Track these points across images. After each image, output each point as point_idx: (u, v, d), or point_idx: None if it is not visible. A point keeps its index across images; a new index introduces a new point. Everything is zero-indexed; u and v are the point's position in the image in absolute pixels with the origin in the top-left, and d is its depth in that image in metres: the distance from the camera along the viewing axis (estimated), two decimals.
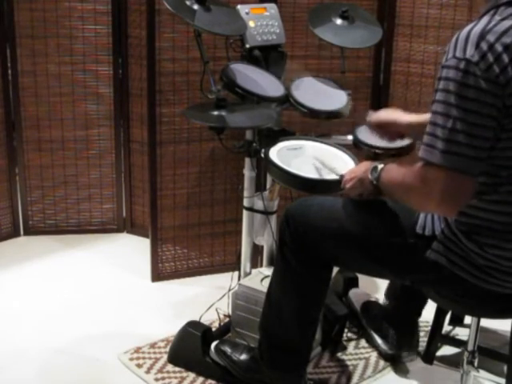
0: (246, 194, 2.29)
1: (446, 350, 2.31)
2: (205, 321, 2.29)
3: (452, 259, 1.59)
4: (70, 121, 3.12)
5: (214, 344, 2.16)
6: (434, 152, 1.42)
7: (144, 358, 2.26)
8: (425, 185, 1.45)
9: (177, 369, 2.21)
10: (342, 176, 1.84)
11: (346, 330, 2.39)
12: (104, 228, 3.27)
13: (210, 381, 2.16)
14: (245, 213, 2.31)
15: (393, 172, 1.62)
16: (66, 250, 3.09)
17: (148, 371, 2.20)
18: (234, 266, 2.41)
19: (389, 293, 2.32)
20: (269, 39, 2.30)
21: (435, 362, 2.20)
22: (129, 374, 2.20)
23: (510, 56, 1.38)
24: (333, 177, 1.94)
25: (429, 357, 2.17)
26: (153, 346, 2.34)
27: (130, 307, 2.62)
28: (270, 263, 2.34)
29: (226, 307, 2.35)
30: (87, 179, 3.20)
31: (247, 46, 2.26)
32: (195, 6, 2.06)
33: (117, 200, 3.25)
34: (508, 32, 1.39)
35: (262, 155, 2.05)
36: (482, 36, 1.38)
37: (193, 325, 2.21)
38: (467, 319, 2.38)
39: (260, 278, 2.27)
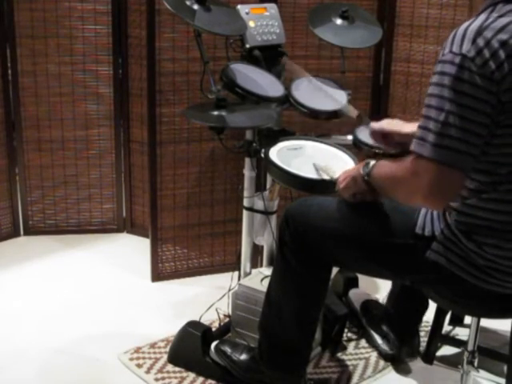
0: (246, 194, 2.29)
1: (446, 350, 2.31)
2: (205, 321, 2.29)
3: (452, 259, 1.59)
4: (70, 121, 3.12)
5: (214, 344, 2.16)
6: (425, 145, 1.42)
7: (144, 358, 2.26)
8: (414, 177, 1.45)
9: (177, 369, 2.21)
10: (336, 179, 1.83)
11: (346, 330, 2.39)
12: (104, 228, 3.27)
13: (209, 381, 2.16)
14: (245, 213, 2.31)
15: (384, 167, 1.62)
16: (66, 250, 3.09)
17: (148, 371, 2.20)
18: (234, 266, 2.41)
19: (389, 300, 2.32)
20: (269, 39, 2.30)
21: (435, 362, 2.21)
22: (129, 374, 2.20)
23: (507, 52, 1.38)
24: (332, 177, 1.93)
25: (429, 357, 2.17)
26: (153, 345, 2.34)
27: (130, 307, 2.62)
28: (270, 263, 2.34)
29: (226, 307, 2.35)
30: (87, 179, 3.20)
31: (247, 45, 2.26)
32: (195, 6, 2.06)
33: (117, 200, 3.25)
34: (505, 29, 1.39)
35: (262, 155, 2.05)
36: (479, 32, 1.39)
37: (193, 325, 2.21)
38: (467, 319, 2.38)
39: (260, 278, 2.27)
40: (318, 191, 1.98)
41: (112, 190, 3.24)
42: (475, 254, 1.56)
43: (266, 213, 2.27)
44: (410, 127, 1.89)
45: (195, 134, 2.76)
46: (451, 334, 2.43)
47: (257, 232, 2.33)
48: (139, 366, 2.23)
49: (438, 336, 2.13)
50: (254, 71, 2.24)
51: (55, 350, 2.31)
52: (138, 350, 2.31)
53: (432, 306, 2.08)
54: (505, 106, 1.40)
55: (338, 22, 2.36)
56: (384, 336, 2.30)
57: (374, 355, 2.32)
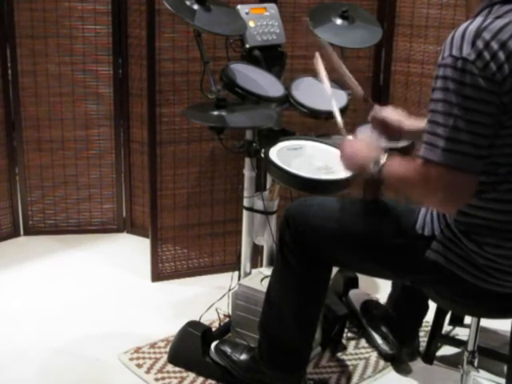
0: (246, 194, 2.29)
1: (446, 350, 2.31)
2: (205, 321, 2.29)
3: (452, 259, 1.59)
4: (70, 121, 3.12)
5: (213, 344, 2.16)
6: (435, 150, 1.43)
7: (144, 358, 2.26)
8: (427, 183, 1.46)
9: (177, 369, 2.21)
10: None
11: (346, 330, 2.38)
12: (104, 228, 3.27)
13: (209, 381, 2.16)
14: (245, 213, 2.31)
15: (395, 167, 1.60)
16: (66, 250, 3.09)
17: (148, 371, 2.20)
18: (234, 266, 2.41)
19: (389, 302, 2.32)
20: (269, 39, 2.30)
21: (435, 362, 2.20)
22: (129, 374, 2.20)
23: (506, 53, 1.38)
24: (333, 176, 1.93)
25: (429, 357, 2.17)
26: (153, 346, 2.34)
27: (130, 307, 2.62)
28: (270, 263, 2.34)
29: (226, 307, 2.35)
30: (87, 179, 3.20)
31: (247, 45, 2.26)
32: (195, 6, 2.06)
33: (117, 200, 3.25)
34: (503, 30, 1.39)
35: (262, 155, 2.05)
36: (478, 34, 1.39)
37: (193, 325, 2.21)
38: (467, 319, 2.38)
39: (260, 278, 2.27)
40: (318, 191, 1.98)
41: (112, 190, 3.24)
42: (475, 253, 1.56)
43: (266, 213, 2.27)
44: (410, 122, 1.89)
45: (195, 134, 2.76)
46: (451, 334, 2.43)
47: (257, 232, 2.33)
48: (139, 365, 2.23)
49: (437, 336, 2.13)
50: (254, 71, 2.24)
51: (55, 349, 2.31)
52: (138, 349, 2.31)
53: (432, 306, 2.08)
54: (507, 106, 1.41)
55: (338, 22, 2.36)
56: (384, 336, 2.30)
57: (374, 355, 2.32)
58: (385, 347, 2.29)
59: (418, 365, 2.26)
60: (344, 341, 2.38)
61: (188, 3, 2.06)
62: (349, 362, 2.28)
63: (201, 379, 2.17)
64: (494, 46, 1.38)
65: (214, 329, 2.30)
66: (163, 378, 2.17)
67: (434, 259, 1.62)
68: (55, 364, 2.24)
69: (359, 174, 1.74)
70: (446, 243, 1.60)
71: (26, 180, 3.16)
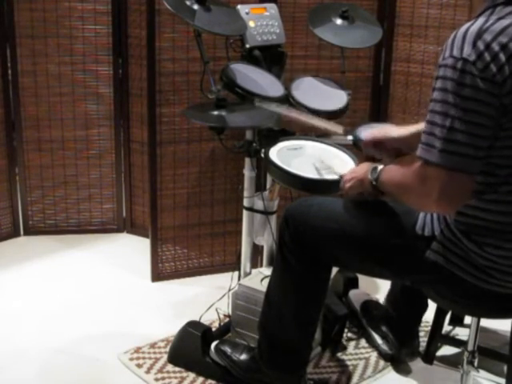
0: (246, 194, 2.29)
1: (446, 350, 2.31)
2: (205, 321, 2.29)
3: (451, 259, 1.59)
4: (70, 121, 3.12)
5: (213, 344, 2.16)
6: (432, 151, 1.42)
7: (144, 358, 2.26)
8: (423, 184, 1.46)
9: (177, 369, 2.21)
10: (341, 176, 1.84)
11: (346, 330, 2.38)
12: (104, 228, 3.27)
13: (209, 381, 2.16)
14: (245, 213, 2.31)
15: (392, 172, 1.62)
16: (66, 250, 3.09)
17: (148, 371, 2.20)
18: (234, 266, 2.41)
19: (388, 301, 2.32)
20: (269, 39, 2.30)
21: (435, 362, 2.20)
22: (129, 374, 2.20)
23: (507, 55, 1.38)
24: (333, 177, 1.94)
25: (429, 357, 2.16)
26: (153, 346, 2.34)
27: (130, 307, 2.62)
28: (270, 263, 2.34)
29: (226, 307, 2.35)
30: (87, 179, 3.20)
31: (247, 45, 2.26)
32: (195, 6, 2.06)
33: (117, 200, 3.25)
34: (505, 31, 1.39)
35: (262, 155, 2.05)
36: (479, 35, 1.39)
37: (193, 325, 2.21)
38: (467, 319, 2.38)
39: (260, 278, 2.27)
40: (318, 191, 1.98)
41: (112, 190, 3.24)
42: (475, 254, 1.56)
43: (266, 213, 2.27)
44: (397, 131, 1.91)
45: (195, 134, 2.76)
46: (451, 334, 2.43)
47: (257, 232, 2.33)
48: (139, 365, 2.23)
49: (437, 336, 2.13)
50: (254, 71, 2.24)
51: (55, 349, 2.31)
52: (138, 350, 2.31)
53: (432, 306, 2.08)
54: (507, 108, 1.41)
55: (338, 22, 2.36)
56: (384, 336, 2.30)
57: (374, 355, 2.32)
58: (385, 347, 2.29)
59: (417, 365, 2.26)
60: (344, 341, 2.38)
61: (188, 3, 2.06)
62: (349, 362, 2.28)
63: (201, 379, 2.17)
64: (495, 47, 1.38)
65: (214, 329, 2.30)
66: (163, 378, 2.17)
67: (434, 259, 1.62)
68: (55, 364, 2.24)
69: (361, 192, 1.74)
70: (446, 244, 1.60)
71: (26, 180, 3.16)
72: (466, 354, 1.89)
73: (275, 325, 1.95)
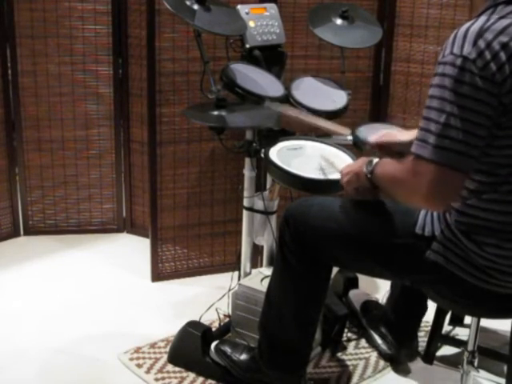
0: (246, 194, 2.29)
1: (446, 350, 2.31)
2: (205, 321, 2.29)
3: (452, 259, 1.59)
4: (70, 121, 3.12)
5: (213, 344, 2.16)
6: (426, 146, 1.42)
7: (144, 358, 2.26)
8: (414, 178, 1.45)
9: (177, 369, 2.21)
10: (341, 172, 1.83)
11: (346, 330, 2.38)
12: (104, 228, 3.27)
13: (209, 381, 2.16)
14: (245, 213, 2.31)
15: (386, 166, 1.62)
16: (66, 250, 3.09)
17: (148, 371, 2.20)
18: (234, 265, 2.41)
19: (388, 303, 2.32)
20: (269, 39, 2.30)
21: (435, 362, 2.20)
22: (129, 374, 2.20)
23: (507, 54, 1.38)
24: (333, 176, 1.93)
25: (429, 357, 2.17)
26: (153, 346, 2.34)
27: (130, 307, 2.62)
28: (270, 263, 2.34)
29: (226, 307, 2.35)
30: (87, 179, 3.20)
31: (247, 45, 2.26)
32: (195, 6, 2.06)
33: (117, 200, 3.25)
34: (506, 30, 1.39)
35: (262, 155, 2.05)
36: (480, 34, 1.39)
37: (193, 325, 2.21)
38: (467, 319, 2.38)
39: (260, 278, 2.27)
40: (318, 191, 1.98)
41: (112, 190, 3.24)
42: (475, 254, 1.56)
43: (266, 213, 2.27)
44: (406, 135, 1.90)
45: (195, 134, 2.76)
46: (451, 334, 2.43)
47: (257, 232, 2.33)
48: (139, 366, 2.23)
49: (438, 336, 2.13)
50: (254, 71, 2.24)
51: (55, 349, 2.31)
52: (138, 350, 2.31)
53: (432, 306, 2.08)
54: (507, 107, 1.40)
55: (338, 22, 2.36)
56: (384, 336, 2.30)
57: (373, 355, 2.32)
58: (385, 347, 2.29)
59: (417, 365, 2.26)
60: (344, 341, 2.38)
61: (188, 3, 2.06)
62: (349, 362, 2.28)
63: (201, 379, 2.17)
64: (496, 46, 1.38)
65: (214, 329, 2.30)
66: (163, 378, 2.17)
67: (434, 259, 1.62)
68: (55, 364, 2.24)
69: (356, 188, 1.74)
70: (446, 244, 1.60)
71: (26, 180, 3.16)
72: (465, 354, 1.89)
73: (275, 325, 1.95)
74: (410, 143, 1.85)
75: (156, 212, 2.79)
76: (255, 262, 2.61)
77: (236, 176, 2.76)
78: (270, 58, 2.30)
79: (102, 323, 2.49)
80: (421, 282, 1.74)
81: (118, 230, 3.28)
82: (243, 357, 2.09)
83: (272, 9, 2.37)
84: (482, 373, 2.17)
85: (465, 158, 1.41)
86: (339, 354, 2.32)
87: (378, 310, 2.39)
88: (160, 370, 2.21)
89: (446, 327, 2.43)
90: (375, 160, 1.66)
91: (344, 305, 2.40)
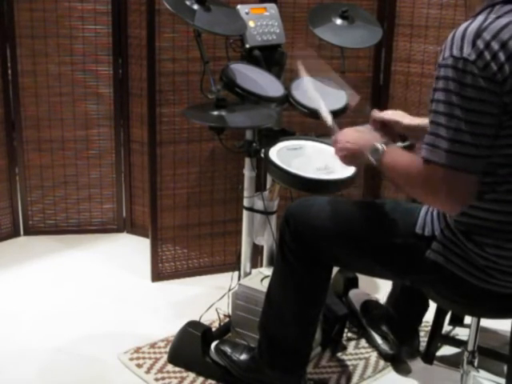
0: (246, 194, 2.29)
1: (446, 350, 2.31)
2: (205, 321, 2.29)
3: (452, 259, 1.59)
4: (70, 121, 3.12)
5: (213, 344, 2.16)
6: (437, 152, 1.43)
7: (144, 358, 2.26)
8: (429, 184, 1.46)
9: (177, 369, 2.21)
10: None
11: (346, 330, 2.38)
12: (104, 228, 3.27)
13: (209, 381, 2.16)
14: (245, 213, 2.31)
15: (398, 159, 1.57)
16: (66, 250, 3.09)
17: (148, 371, 2.20)
18: (234, 265, 2.41)
19: (389, 301, 2.32)
20: (269, 39, 2.30)
21: (435, 362, 2.20)
22: (129, 374, 2.20)
23: (507, 54, 1.38)
24: (333, 176, 1.93)
25: (429, 357, 2.17)
26: (153, 346, 2.34)
27: (129, 307, 2.62)
28: (270, 263, 2.34)
29: (226, 307, 2.35)
30: (87, 179, 3.20)
31: (247, 46, 2.26)
32: (195, 6, 2.06)
33: (117, 200, 3.25)
34: (504, 30, 1.39)
35: (262, 155, 2.05)
36: (478, 34, 1.39)
37: (193, 325, 2.21)
38: (467, 319, 2.38)
39: (260, 278, 2.27)
40: (318, 191, 1.98)
41: (112, 189, 3.24)
42: (475, 254, 1.56)
43: (266, 213, 2.27)
44: (409, 119, 1.88)
45: (195, 134, 2.76)
46: (451, 334, 2.43)
47: (257, 232, 2.33)
48: (139, 366, 2.23)
49: (438, 336, 2.13)
50: (254, 71, 2.24)
51: (55, 349, 2.31)
52: (138, 350, 2.31)
53: (432, 306, 2.08)
54: (508, 107, 1.41)
55: (338, 22, 2.36)
56: (384, 336, 2.30)
57: (373, 355, 2.32)
58: (385, 347, 2.29)
59: (417, 365, 2.26)
60: (344, 341, 2.38)
61: (188, 3, 2.06)
62: (349, 362, 2.28)
63: (201, 379, 2.17)
64: (495, 46, 1.38)
65: (214, 329, 2.30)
66: (163, 378, 2.17)
67: (434, 259, 1.62)
68: (55, 364, 2.24)
69: (356, 164, 1.72)
70: (446, 243, 1.60)
71: (26, 180, 3.16)
72: (466, 354, 1.89)
73: (275, 325, 1.95)
74: (413, 128, 1.86)
75: (156, 212, 2.79)
76: (255, 262, 2.61)
77: (236, 176, 2.76)
78: (270, 57, 2.30)
79: (102, 323, 2.49)
80: (421, 282, 1.74)
81: (118, 230, 3.28)
82: (243, 357, 2.09)
83: (272, 9, 2.37)
84: (482, 373, 2.17)
85: (477, 160, 1.42)
86: (339, 354, 2.32)
87: (378, 309, 2.39)
88: (160, 370, 2.21)
89: (446, 327, 2.43)
90: (380, 147, 1.59)
91: (344, 305, 2.40)
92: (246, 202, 2.30)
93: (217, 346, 2.15)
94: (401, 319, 2.25)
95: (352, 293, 2.51)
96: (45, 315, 2.54)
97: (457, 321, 2.46)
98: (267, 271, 2.25)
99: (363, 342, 2.39)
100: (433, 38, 2.82)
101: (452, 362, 2.25)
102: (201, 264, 2.92)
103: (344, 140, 1.72)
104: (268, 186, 2.32)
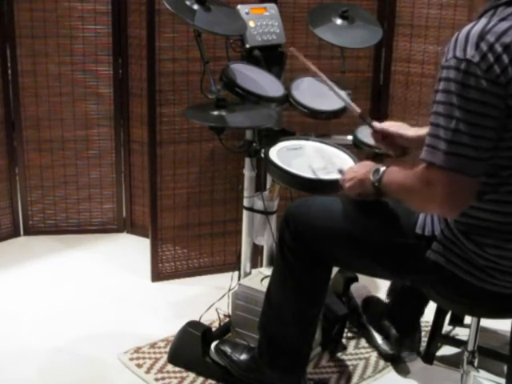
0: (246, 194, 2.29)
1: (446, 350, 2.31)
2: (205, 321, 2.29)
3: (452, 259, 1.59)
4: (70, 121, 3.12)
5: (213, 344, 2.16)
6: (436, 153, 1.42)
7: (144, 358, 2.26)
8: (427, 186, 1.45)
9: (177, 369, 2.21)
10: (341, 171, 1.82)
11: (346, 330, 2.38)
12: (104, 228, 3.27)
13: (209, 381, 2.16)
14: (245, 213, 2.31)
15: (395, 174, 1.61)
16: (66, 250, 3.09)
17: (148, 371, 2.20)
18: (234, 265, 2.41)
19: (390, 291, 2.32)
20: (269, 39, 2.30)
21: (435, 362, 2.20)
22: (129, 374, 2.20)
23: (510, 56, 1.38)
24: (333, 176, 1.93)
25: (429, 357, 2.17)
26: (153, 346, 2.34)
27: (130, 307, 2.62)
28: (270, 263, 2.34)
29: (226, 307, 2.35)
30: (87, 179, 3.20)
31: (247, 46, 2.26)
32: (195, 6, 2.06)
33: (117, 200, 3.25)
34: (507, 32, 1.39)
35: (262, 155, 2.05)
36: (482, 36, 1.38)
37: (193, 325, 2.21)
38: (467, 319, 2.38)
39: (260, 278, 2.27)
40: (318, 191, 1.98)
41: (112, 189, 3.24)
42: (475, 254, 1.56)
43: (266, 213, 2.27)
44: (412, 131, 1.89)
45: (195, 134, 2.76)
46: (451, 334, 2.43)
47: (257, 232, 2.33)
48: (139, 366, 2.23)
49: (438, 336, 2.13)
50: (254, 71, 2.24)
51: (55, 349, 2.31)
52: (138, 350, 2.31)
53: (432, 306, 2.08)
54: (511, 110, 1.40)
55: (338, 22, 2.37)
56: (384, 336, 2.29)
57: (374, 355, 2.32)
58: (385, 347, 2.29)
59: (417, 365, 2.26)
60: (344, 341, 2.38)
61: (188, 3, 2.06)
62: (349, 362, 2.28)
63: (201, 379, 2.17)
64: (498, 48, 1.38)
65: (214, 329, 2.30)
66: (163, 378, 2.17)
67: (435, 259, 1.62)
68: (55, 364, 2.24)
69: (362, 190, 1.73)
70: (446, 244, 1.60)
71: (26, 180, 3.16)
72: (466, 354, 1.89)
73: (275, 325, 1.95)
74: (413, 140, 1.86)
75: (156, 212, 2.79)
76: (255, 262, 2.61)
77: (236, 176, 2.76)
78: (270, 57, 2.30)
79: (102, 323, 2.49)
80: (421, 282, 1.74)
81: (118, 230, 3.28)
82: (243, 357, 2.09)
83: (272, 9, 2.37)
84: (482, 373, 2.17)
85: (476, 163, 1.41)
86: (339, 354, 2.32)
87: (379, 305, 2.39)
88: (160, 370, 2.21)
89: (446, 327, 2.43)
90: (382, 168, 1.64)
91: (344, 305, 2.40)
92: (245, 202, 2.30)
93: (217, 346, 2.15)
94: (402, 311, 2.24)
95: (353, 287, 2.50)
96: (45, 315, 2.54)
97: (457, 321, 2.46)
98: (267, 271, 2.25)
99: (363, 342, 2.39)
100: (433, 38, 2.82)
101: (452, 361, 2.25)
102: (201, 264, 2.92)
103: (351, 171, 1.79)
104: (268, 186, 2.32)
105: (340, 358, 2.30)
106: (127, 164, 3.21)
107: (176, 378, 2.17)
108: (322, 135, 2.23)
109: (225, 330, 2.33)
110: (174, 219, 2.83)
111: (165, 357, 2.26)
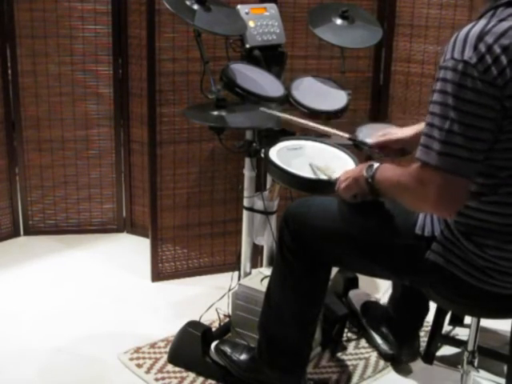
0: (246, 194, 2.29)
1: (446, 350, 2.30)
2: (205, 321, 2.29)
3: (451, 260, 1.59)
4: (70, 121, 3.12)
5: (213, 344, 2.16)
6: (430, 153, 1.42)
7: (144, 358, 2.26)
8: (420, 186, 1.45)
9: (177, 369, 2.21)
10: (336, 179, 1.83)
11: (346, 330, 2.38)
12: (104, 228, 3.27)
13: (209, 381, 2.16)
14: (245, 213, 2.31)
15: (388, 171, 1.61)
16: (66, 250, 3.09)
17: (148, 371, 2.20)
18: (234, 266, 2.41)
19: (390, 303, 2.31)
20: (269, 39, 2.30)
21: (435, 362, 2.20)
22: (129, 374, 2.20)
23: (508, 58, 1.38)
24: (333, 175, 1.93)
25: (429, 357, 2.16)
26: (153, 346, 2.34)
27: (130, 307, 2.62)
28: (270, 263, 2.34)
29: (226, 307, 2.35)
30: (87, 179, 3.20)
31: (247, 46, 2.26)
32: (195, 6, 2.06)
33: (117, 200, 3.25)
34: (506, 33, 1.39)
35: (262, 155, 2.05)
36: (480, 37, 1.38)
37: (193, 325, 2.21)
38: (467, 319, 2.38)
39: (260, 278, 2.27)
40: (317, 191, 1.98)
41: (112, 189, 3.24)
42: (475, 254, 1.56)
43: (266, 213, 2.27)
44: (402, 132, 1.90)
45: (195, 134, 2.76)
46: (451, 334, 2.43)
47: (257, 232, 2.33)
48: (139, 366, 2.23)
49: (438, 336, 2.13)
50: (254, 71, 2.24)
51: (55, 349, 2.31)
52: (138, 350, 2.31)
53: (432, 306, 2.08)
54: (508, 111, 1.40)
55: (338, 22, 2.37)
56: (384, 336, 2.30)
57: (374, 355, 2.32)
58: (385, 347, 2.29)
59: (417, 365, 2.26)
60: (344, 341, 2.38)
61: (188, 3, 2.06)
62: (349, 362, 2.28)
63: (201, 379, 2.17)
64: (497, 49, 1.37)
65: (214, 329, 2.30)
66: (163, 378, 2.17)
67: (434, 260, 1.61)
68: (55, 364, 2.24)
69: (356, 191, 1.73)
70: (445, 244, 1.60)
71: (26, 180, 3.16)
72: (466, 354, 1.88)
73: (275, 325, 1.95)
74: (410, 140, 1.87)
75: (156, 212, 2.79)
76: (255, 262, 2.61)
77: (236, 176, 2.76)
78: (270, 57, 2.30)
79: (102, 323, 2.49)
80: (421, 283, 1.74)
81: (118, 230, 3.28)
82: (243, 357, 2.09)
83: (272, 9, 2.37)
84: (482, 373, 2.17)
85: (469, 164, 1.41)
86: (339, 354, 2.32)
87: (378, 310, 2.39)
88: (160, 370, 2.21)
89: (446, 327, 2.43)
90: (375, 164, 1.65)
91: (344, 305, 2.40)
92: (245, 202, 2.30)
93: (217, 346, 2.15)
94: (401, 321, 2.25)
95: (352, 293, 2.51)
96: (45, 315, 2.54)
97: (457, 321, 2.46)
98: (267, 271, 2.25)
99: (363, 342, 2.39)
100: (433, 38, 2.82)
101: (452, 362, 2.25)
102: (201, 264, 2.92)
103: (345, 173, 1.79)
104: (268, 186, 2.32)
105: (340, 358, 2.30)
106: (127, 164, 3.21)
107: (176, 378, 2.17)
108: (322, 135, 2.23)
109: (225, 330, 2.33)
110: (174, 219, 2.83)
111: (165, 357, 2.26)
